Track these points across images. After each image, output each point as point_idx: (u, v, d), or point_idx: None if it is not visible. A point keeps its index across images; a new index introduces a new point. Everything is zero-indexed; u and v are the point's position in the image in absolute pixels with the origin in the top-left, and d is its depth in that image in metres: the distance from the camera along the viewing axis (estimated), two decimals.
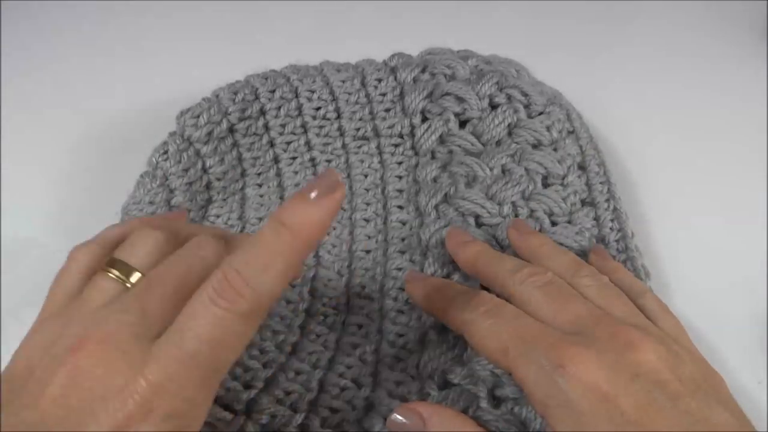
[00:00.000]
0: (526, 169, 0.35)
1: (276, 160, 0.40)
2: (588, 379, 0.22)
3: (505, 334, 0.24)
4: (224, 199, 0.39)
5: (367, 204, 0.38)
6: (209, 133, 0.38)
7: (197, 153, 0.38)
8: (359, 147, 0.40)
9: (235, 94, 0.38)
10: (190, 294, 0.21)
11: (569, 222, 0.33)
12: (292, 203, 0.21)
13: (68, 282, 0.24)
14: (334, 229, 0.37)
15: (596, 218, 0.34)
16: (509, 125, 0.37)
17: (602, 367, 0.22)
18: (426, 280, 0.30)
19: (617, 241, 0.33)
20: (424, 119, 0.39)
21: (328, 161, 0.40)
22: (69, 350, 0.20)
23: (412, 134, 0.39)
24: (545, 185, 0.35)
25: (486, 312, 0.25)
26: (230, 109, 0.38)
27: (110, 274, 0.23)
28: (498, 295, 0.27)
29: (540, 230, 0.33)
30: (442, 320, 0.28)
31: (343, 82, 0.40)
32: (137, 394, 0.19)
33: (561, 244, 0.32)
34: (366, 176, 0.39)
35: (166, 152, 0.37)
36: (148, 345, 0.21)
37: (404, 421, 0.25)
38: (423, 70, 0.40)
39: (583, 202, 0.35)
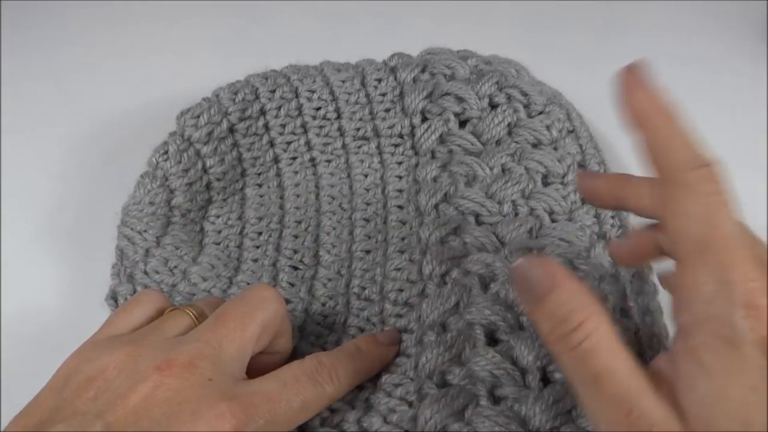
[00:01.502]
0: (526, 168, 0.35)
1: (276, 160, 0.40)
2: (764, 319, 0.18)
3: (712, 227, 0.19)
4: (224, 200, 0.39)
5: (367, 204, 0.38)
6: (209, 134, 0.38)
7: (197, 153, 0.38)
8: (359, 147, 0.40)
9: (236, 94, 0.38)
10: (255, 331, 0.25)
11: (569, 220, 0.33)
12: (370, 340, 0.29)
13: (137, 313, 0.27)
14: (334, 229, 0.37)
15: (597, 216, 0.34)
16: (509, 125, 0.37)
17: None
18: (648, 93, 0.22)
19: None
20: (424, 119, 0.39)
21: (328, 161, 0.40)
22: (155, 369, 0.22)
23: (412, 134, 0.39)
24: (545, 184, 0.35)
25: (712, 191, 0.20)
26: (230, 109, 0.38)
27: (186, 311, 0.26)
28: None
29: (540, 228, 0.33)
30: (645, 139, 0.21)
31: (343, 82, 0.40)
32: (226, 421, 0.22)
33: (562, 239, 0.32)
34: (366, 176, 0.39)
35: (166, 152, 0.37)
36: (231, 379, 0.23)
37: (537, 276, 0.21)
38: (423, 70, 0.40)
39: (584, 200, 0.35)
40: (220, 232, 0.38)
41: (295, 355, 0.30)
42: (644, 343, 0.27)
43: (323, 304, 0.33)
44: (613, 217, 0.34)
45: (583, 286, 0.21)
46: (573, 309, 0.20)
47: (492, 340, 0.28)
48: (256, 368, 0.25)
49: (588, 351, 0.19)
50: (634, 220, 0.35)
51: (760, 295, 0.19)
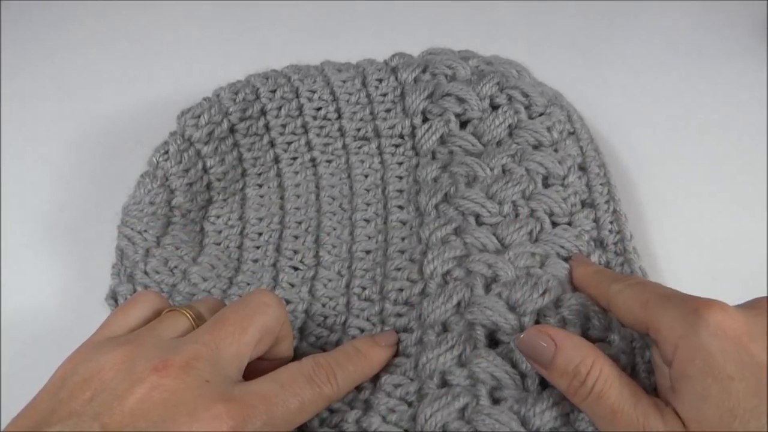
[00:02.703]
0: (527, 170, 0.35)
1: (276, 160, 0.40)
2: (720, 322, 0.22)
3: (646, 293, 0.26)
4: (224, 200, 0.39)
5: (368, 204, 0.38)
6: (210, 133, 0.38)
7: (198, 153, 0.38)
8: (360, 147, 0.40)
9: (236, 94, 0.38)
10: (254, 335, 0.25)
11: (569, 224, 0.33)
12: (368, 342, 0.29)
13: (134, 313, 0.26)
14: (335, 229, 0.37)
15: (596, 220, 0.34)
16: (510, 126, 0.37)
17: (736, 317, 0.23)
18: (588, 266, 0.31)
19: (615, 243, 0.33)
20: (425, 119, 0.39)
21: (329, 161, 0.40)
22: (152, 369, 0.22)
23: (412, 134, 0.39)
24: (546, 185, 0.35)
25: (633, 283, 0.27)
26: (231, 109, 0.38)
27: (184, 312, 0.26)
28: None
29: (540, 231, 0.33)
30: (592, 295, 0.29)
31: (344, 82, 0.40)
32: (223, 423, 0.21)
33: (561, 247, 0.32)
34: (366, 176, 0.39)
35: (166, 152, 0.37)
36: (228, 381, 0.23)
37: (542, 344, 0.25)
38: (424, 71, 0.40)
39: (583, 204, 0.35)
40: (220, 232, 0.38)
41: (294, 355, 0.30)
42: (637, 353, 0.27)
43: (323, 305, 0.33)
44: (611, 223, 0.34)
45: (579, 338, 0.26)
46: (578, 362, 0.24)
47: (492, 341, 0.28)
48: (255, 374, 0.25)
49: (599, 394, 0.24)
50: (631, 224, 0.35)
51: (696, 299, 0.24)
